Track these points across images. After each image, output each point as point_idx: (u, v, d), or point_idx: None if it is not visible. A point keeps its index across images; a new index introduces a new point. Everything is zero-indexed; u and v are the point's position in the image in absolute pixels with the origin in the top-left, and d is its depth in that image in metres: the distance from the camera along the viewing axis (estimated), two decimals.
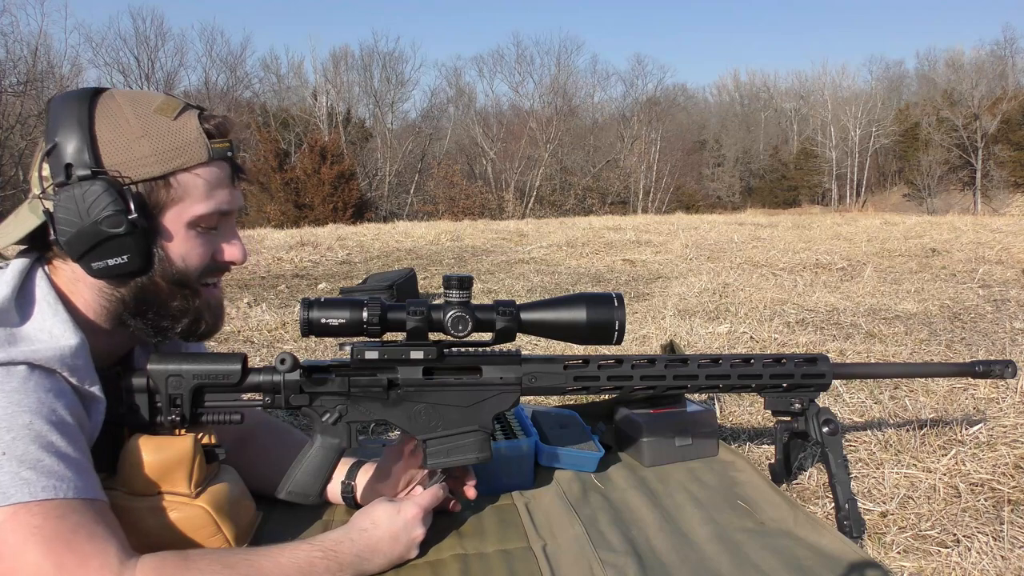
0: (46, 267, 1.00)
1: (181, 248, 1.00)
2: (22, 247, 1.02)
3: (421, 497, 1.15)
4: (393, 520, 1.09)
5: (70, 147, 0.92)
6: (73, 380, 0.93)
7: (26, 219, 0.97)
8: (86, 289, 1.00)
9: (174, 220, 0.99)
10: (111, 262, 0.95)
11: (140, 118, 0.96)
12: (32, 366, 0.88)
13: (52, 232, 0.94)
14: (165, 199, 0.97)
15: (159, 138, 0.96)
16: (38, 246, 1.00)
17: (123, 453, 1.02)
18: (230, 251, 1.07)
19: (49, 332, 0.92)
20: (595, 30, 77.81)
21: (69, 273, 1.00)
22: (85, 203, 0.91)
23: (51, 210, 0.93)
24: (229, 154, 1.02)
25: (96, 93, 0.97)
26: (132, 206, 0.93)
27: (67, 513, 0.83)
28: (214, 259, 1.05)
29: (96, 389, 0.96)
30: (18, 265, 0.97)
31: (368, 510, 1.12)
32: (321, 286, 4.65)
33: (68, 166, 0.92)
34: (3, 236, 0.99)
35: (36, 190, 0.96)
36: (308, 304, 1.08)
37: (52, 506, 0.82)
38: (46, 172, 0.94)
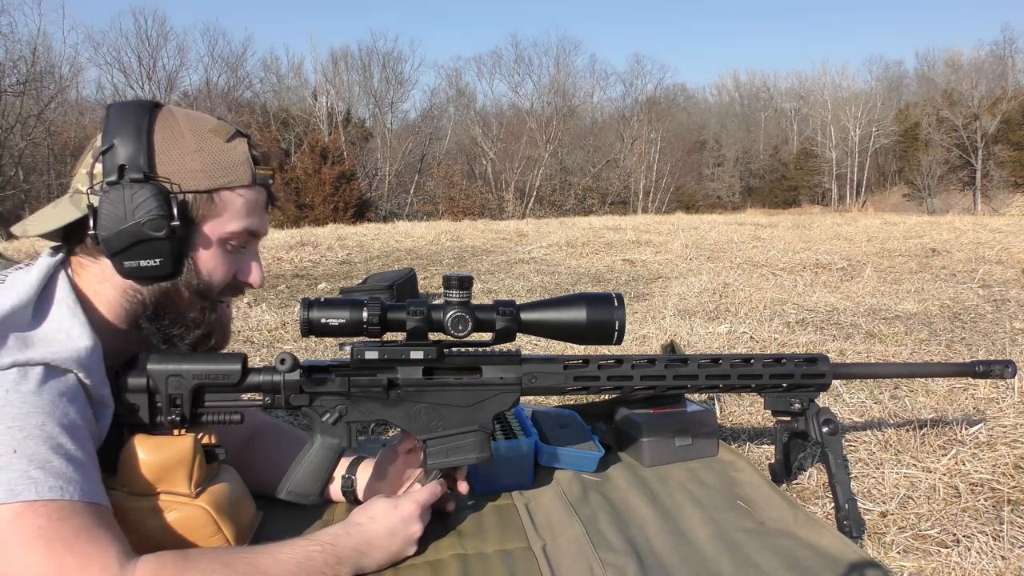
0: (70, 269, 1.02)
1: (210, 261, 1.05)
2: (53, 242, 1.04)
3: (419, 494, 1.15)
4: (390, 515, 1.10)
5: (127, 150, 0.96)
6: (87, 382, 0.94)
7: (66, 211, 0.99)
8: (111, 289, 1.02)
9: (209, 233, 1.03)
10: (143, 263, 0.98)
11: (195, 135, 1.01)
12: (49, 368, 0.90)
13: (92, 226, 0.96)
14: (205, 212, 1.02)
15: (210, 155, 1.01)
16: (70, 240, 1.02)
17: (123, 453, 1.03)
18: (251, 273, 1.11)
19: (67, 333, 0.94)
20: (593, 30, 77.91)
21: (96, 272, 1.01)
22: (133, 203, 0.95)
23: (96, 205, 0.96)
24: (270, 181, 1.09)
25: (156, 105, 1.02)
26: (176, 213, 0.97)
27: (71, 515, 0.84)
28: (235, 278, 1.10)
29: (106, 393, 0.99)
30: (43, 266, 0.99)
31: (366, 506, 1.12)
32: (321, 286, 4.65)
33: (122, 167, 0.96)
34: (40, 224, 1.00)
35: (81, 185, 0.99)
36: (308, 304, 1.09)
37: (57, 507, 0.83)
38: (98, 169, 0.97)
